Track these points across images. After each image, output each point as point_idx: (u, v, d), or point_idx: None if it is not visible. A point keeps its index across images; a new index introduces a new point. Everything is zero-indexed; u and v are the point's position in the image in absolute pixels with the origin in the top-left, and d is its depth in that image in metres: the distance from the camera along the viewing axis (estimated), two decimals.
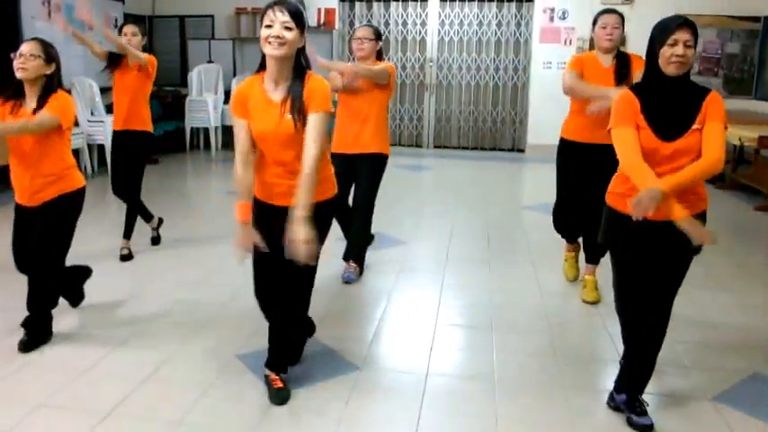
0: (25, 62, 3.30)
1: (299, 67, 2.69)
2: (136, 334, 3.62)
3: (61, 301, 3.72)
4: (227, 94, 10.13)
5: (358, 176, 4.41)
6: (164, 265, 4.79)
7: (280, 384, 2.96)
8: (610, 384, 2.99)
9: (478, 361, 3.41)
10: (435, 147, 10.79)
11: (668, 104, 2.60)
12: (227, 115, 10.04)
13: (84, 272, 3.94)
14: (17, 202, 3.45)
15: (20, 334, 3.44)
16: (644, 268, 2.72)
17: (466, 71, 10.47)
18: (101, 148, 8.12)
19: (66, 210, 3.44)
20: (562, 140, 4.19)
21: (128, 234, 4.96)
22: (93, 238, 5.09)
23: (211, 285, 4.37)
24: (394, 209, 6.54)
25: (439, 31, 10.40)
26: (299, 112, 2.64)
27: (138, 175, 4.94)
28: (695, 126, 2.57)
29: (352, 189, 4.47)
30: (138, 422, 2.77)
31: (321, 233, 2.73)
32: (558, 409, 2.94)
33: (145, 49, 4.95)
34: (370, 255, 4.83)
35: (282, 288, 2.89)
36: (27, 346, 3.40)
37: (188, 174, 8.79)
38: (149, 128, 4.93)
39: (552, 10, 9.94)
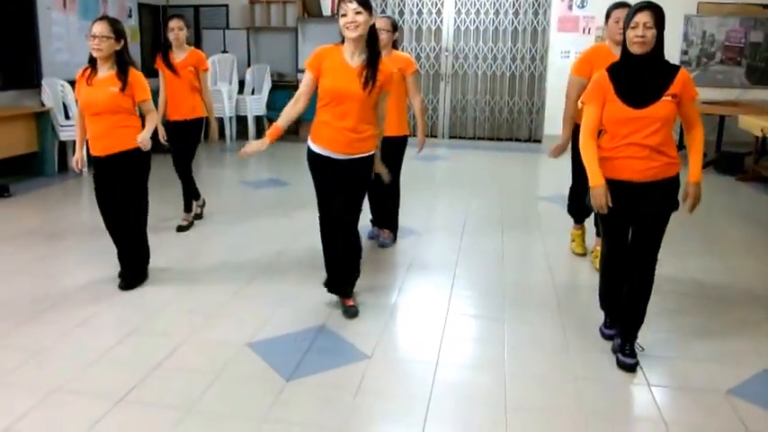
0: (99, 43, 3.75)
1: (370, 42, 3.38)
2: (148, 321, 3.63)
3: (69, 291, 3.75)
4: (242, 84, 10.14)
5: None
6: (175, 255, 4.79)
7: (350, 303, 3.75)
8: (622, 377, 2.96)
9: (489, 351, 3.39)
10: (451, 137, 10.74)
11: (636, 79, 2.98)
12: (241, 105, 10.06)
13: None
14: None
15: (35, 320, 3.46)
16: (629, 224, 3.13)
17: (482, 60, 10.40)
18: None
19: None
20: (577, 127, 4.15)
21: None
22: None
23: (222, 275, 4.37)
24: (408, 199, 6.49)
25: (455, 20, 10.33)
26: (373, 81, 3.36)
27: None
28: (666, 97, 2.95)
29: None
30: (150, 407, 2.79)
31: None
32: (568, 401, 2.91)
33: (189, 42, 5.37)
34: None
35: (342, 219, 3.59)
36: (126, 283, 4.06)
37: (202, 163, 8.80)
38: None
39: None
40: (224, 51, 10.45)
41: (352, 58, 3.40)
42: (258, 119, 10.36)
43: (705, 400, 2.95)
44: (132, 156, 3.92)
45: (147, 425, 2.67)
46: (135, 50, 9.25)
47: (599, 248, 4.21)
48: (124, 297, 3.97)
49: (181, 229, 5.34)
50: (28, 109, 6.67)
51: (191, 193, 5.52)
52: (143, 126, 3.97)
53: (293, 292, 4.05)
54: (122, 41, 3.86)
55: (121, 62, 3.87)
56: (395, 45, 4.72)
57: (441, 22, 10.38)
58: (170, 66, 5.24)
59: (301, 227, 5.38)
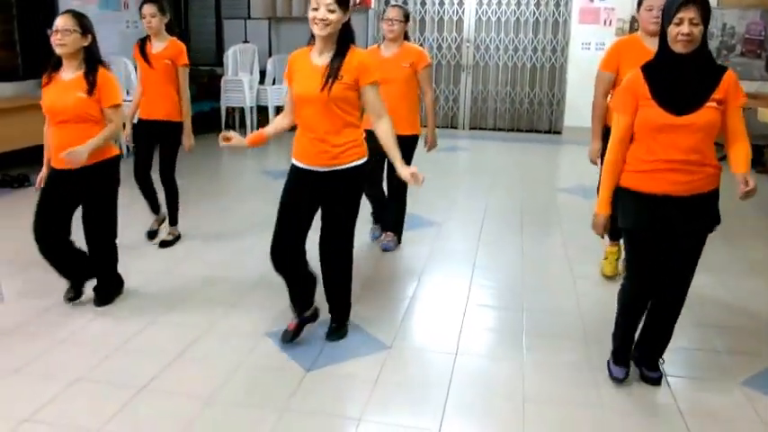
0: (63, 38, 3.33)
1: (342, 40, 2.99)
2: (168, 312, 3.69)
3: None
4: (263, 74, 10.17)
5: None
6: (195, 245, 4.84)
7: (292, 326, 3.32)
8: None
9: (508, 341, 3.41)
10: (471, 128, 10.70)
11: (678, 80, 2.60)
12: (262, 95, 10.09)
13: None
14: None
15: (57, 310, 3.53)
16: (661, 245, 2.76)
17: (503, 52, 10.33)
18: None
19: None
20: (608, 129, 4.10)
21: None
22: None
23: (242, 265, 4.41)
24: (427, 190, 6.48)
25: (476, 11, 10.27)
26: (333, 78, 2.94)
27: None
28: (711, 103, 2.57)
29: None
30: (171, 396, 2.84)
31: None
32: (586, 391, 2.93)
33: (170, 29, 4.69)
34: (405, 234, 4.83)
35: (299, 245, 3.20)
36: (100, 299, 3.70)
37: (223, 153, 8.85)
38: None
39: None
40: (245, 41, 10.48)
41: (320, 57, 3.02)
42: (279, 109, 10.39)
43: (720, 390, 2.96)
44: (99, 169, 3.48)
45: (169, 413, 2.72)
46: None
47: (608, 248, 4.20)
48: (145, 286, 4.03)
49: (164, 244, 4.79)
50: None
51: (173, 206, 4.88)
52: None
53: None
54: (90, 37, 3.45)
55: (90, 61, 3.45)
56: (406, 36, 4.53)
57: (462, 12, 10.32)
58: (145, 56, 4.61)
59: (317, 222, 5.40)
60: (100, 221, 3.59)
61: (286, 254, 3.18)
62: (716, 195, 2.73)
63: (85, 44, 3.43)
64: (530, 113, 10.51)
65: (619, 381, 2.95)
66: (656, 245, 2.76)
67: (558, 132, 10.31)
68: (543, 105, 10.43)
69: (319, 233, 3.22)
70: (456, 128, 10.70)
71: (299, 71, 3.06)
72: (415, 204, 5.72)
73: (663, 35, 2.62)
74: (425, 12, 10.35)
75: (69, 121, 3.40)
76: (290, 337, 3.26)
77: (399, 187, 4.51)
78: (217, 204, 5.93)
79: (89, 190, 3.50)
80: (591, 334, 3.46)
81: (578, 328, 3.53)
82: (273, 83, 10.33)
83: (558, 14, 10.01)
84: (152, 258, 4.56)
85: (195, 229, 5.19)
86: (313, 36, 3.00)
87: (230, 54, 9.92)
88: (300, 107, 3.07)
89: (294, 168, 3.18)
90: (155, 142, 4.76)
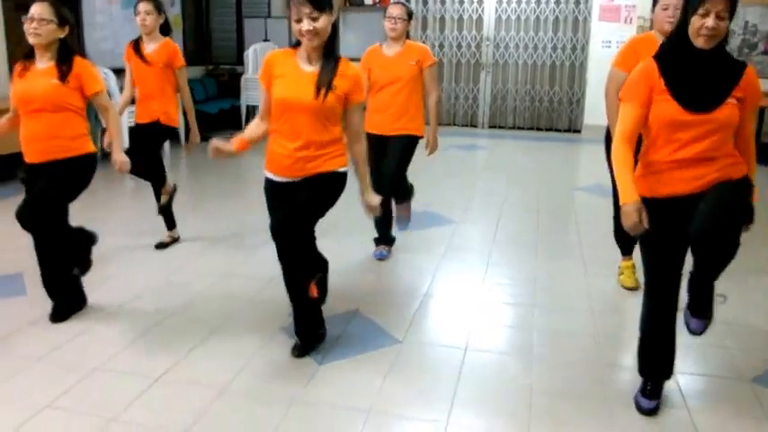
0: (38, 27, 3.12)
1: (328, 43, 2.83)
2: (184, 308, 3.77)
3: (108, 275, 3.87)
4: None
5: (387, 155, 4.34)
6: (207, 244, 4.91)
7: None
8: None
9: (518, 337, 3.44)
10: (490, 126, 10.72)
11: (697, 75, 2.41)
12: None
13: (89, 237, 3.73)
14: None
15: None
16: (683, 253, 2.58)
17: (523, 50, 10.34)
18: None
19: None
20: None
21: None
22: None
23: (257, 262, 4.46)
24: (445, 188, 6.57)
25: (496, 9, 10.28)
26: (328, 87, 2.79)
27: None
28: (731, 100, 2.40)
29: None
30: (185, 386, 2.91)
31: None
32: (594, 386, 2.95)
33: (165, 29, 4.53)
34: (419, 232, 4.87)
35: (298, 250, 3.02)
36: (56, 315, 3.44)
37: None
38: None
39: None
40: (265, 40, 10.58)
41: (309, 63, 2.85)
42: None
43: (728, 386, 2.97)
44: (70, 164, 3.28)
45: (183, 402, 2.79)
46: (177, 39, 9.41)
47: (622, 263, 4.08)
48: (162, 281, 4.12)
49: (161, 245, 4.67)
50: None
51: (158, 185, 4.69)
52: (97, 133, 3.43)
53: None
54: (67, 28, 3.23)
55: (64, 51, 3.23)
56: (407, 35, 4.35)
57: (482, 11, 10.33)
58: (140, 55, 4.39)
59: (335, 217, 5.44)
60: (49, 208, 3.28)
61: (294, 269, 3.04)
62: (743, 186, 2.47)
63: (61, 36, 3.22)
64: (549, 112, 10.50)
65: (647, 413, 2.71)
66: (677, 253, 2.56)
67: (578, 131, 10.28)
68: (563, 104, 10.41)
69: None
70: (475, 126, 10.72)
71: (283, 75, 2.85)
72: (432, 202, 5.81)
73: (682, 25, 2.40)
74: (445, 10, 10.39)
75: (44, 109, 3.19)
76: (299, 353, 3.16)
77: (402, 176, 4.43)
78: (233, 202, 6.02)
79: (47, 184, 3.26)
80: (601, 331, 3.47)
81: (590, 326, 3.55)
82: None
83: (578, 12, 9.99)
84: (165, 252, 4.64)
85: (207, 226, 5.26)
86: (297, 41, 2.85)
87: (250, 52, 10.02)
88: (284, 114, 2.87)
89: (270, 183, 3.03)
90: (156, 145, 4.65)
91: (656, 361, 2.74)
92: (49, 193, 3.27)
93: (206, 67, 10.48)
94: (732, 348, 3.30)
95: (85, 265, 3.70)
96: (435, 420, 2.68)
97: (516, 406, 2.79)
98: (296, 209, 2.95)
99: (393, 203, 4.53)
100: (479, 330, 3.49)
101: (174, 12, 9.53)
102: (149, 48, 4.40)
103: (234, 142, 3.01)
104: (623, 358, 3.21)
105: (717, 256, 2.45)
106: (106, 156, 3.70)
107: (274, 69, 2.88)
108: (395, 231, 4.66)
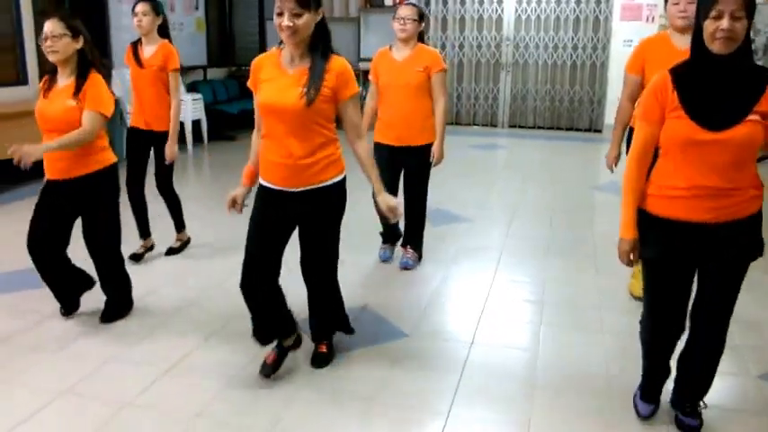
0: (53, 44, 3.14)
1: (316, 42, 2.61)
2: (201, 297, 3.86)
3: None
4: None
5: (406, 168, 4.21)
6: (215, 251, 5.00)
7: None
8: None
9: (524, 333, 3.48)
10: (511, 126, 10.73)
11: (715, 88, 2.18)
12: None
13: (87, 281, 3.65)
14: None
15: (95, 296, 3.73)
16: (689, 278, 2.42)
17: (543, 50, 10.33)
18: (181, 125, 8.51)
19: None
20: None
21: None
22: None
23: None
24: (462, 187, 6.61)
25: (516, 9, 10.29)
26: (316, 89, 2.58)
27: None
28: (753, 116, 2.14)
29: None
30: (197, 374, 3.01)
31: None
32: (598, 380, 2.99)
33: (164, 30, 4.37)
34: (433, 229, 4.93)
35: (274, 273, 2.85)
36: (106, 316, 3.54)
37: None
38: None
39: None
40: None
41: (292, 63, 2.65)
42: None
43: (733, 382, 2.99)
44: (93, 180, 3.30)
45: (194, 389, 2.89)
46: (200, 44, 9.62)
47: (637, 267, 4.03)
48: (184, 272, 4.22)
49: (171, 251, 4.61)
50: None
51: (177, 214, 4.63)
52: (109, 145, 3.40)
53: (339, 275, 4.21)
54: (81, 39, 3.22)
55: (83, 63, 3.24)
56: (421, 38, 4.12)
57: (502, 11, 10.34)
58: (137, 59, 4.28)
59: (350, 214, 5.46)
60: (99, 235, 3.40)
61: (261, 284, 2.82)
62: (757, 220, 2.32)
63: (78, 47, 3.22)
64: (570, 112, 10.48)
65: (644, 418, 2.67)
66: (681, 277, 2.41)
67: (599, 131, 10.25)
68: (584, 103, 10.38)
69: (299, 254, 2.92)
70: (495, 126, 10.74)
71: (266, 79, 2.68)
72: (447, 201, 5.86)
73: (697, 32, 2.19)
74: (465, 10, 10.42)
75: (59, 130, 3.18)
76: (270, 371, 2.95)
77: (418, 198, 4.26)
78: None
79: (85, 202, 3.32)
80: (609, 329, 3.50)
81: (597, 323, 3.57)
82: None
83: (599, 11, 9.97)
84: (164, 258, 4.70)
85: (213, 231, 5.35)
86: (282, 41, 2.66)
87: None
88: (268, 120, 2.69)
89: (263, 189, 2.79)
90: (148, 153, 4.46)
91: (656, 371, 2.67)
92: (99, 219, 3.39)
93: (229, 69, 10.63)
94: (740, 346, 3.30)
95: (73, 306, 3.62)
96: (437, 411, 2.74)
97: (518, 399, 2.84)
98: (316, 251, 2.87)
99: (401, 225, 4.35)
100: (486, 326, 3.54)
101: (198, 14, 9.69)
102: (147, 50, 4.28)
103: (243, 178, 2.90)
104: (629, 359, 3.21)
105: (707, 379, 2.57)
106: None
107: (260, 74, 2.71)
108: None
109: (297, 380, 2.96)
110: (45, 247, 3.33)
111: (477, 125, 10.80)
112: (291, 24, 2.50)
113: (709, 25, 2.11)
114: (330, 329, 3.16)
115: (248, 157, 2.96)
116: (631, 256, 2.43)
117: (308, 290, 3.02)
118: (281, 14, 2.51)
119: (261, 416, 2.69)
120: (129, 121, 4.47)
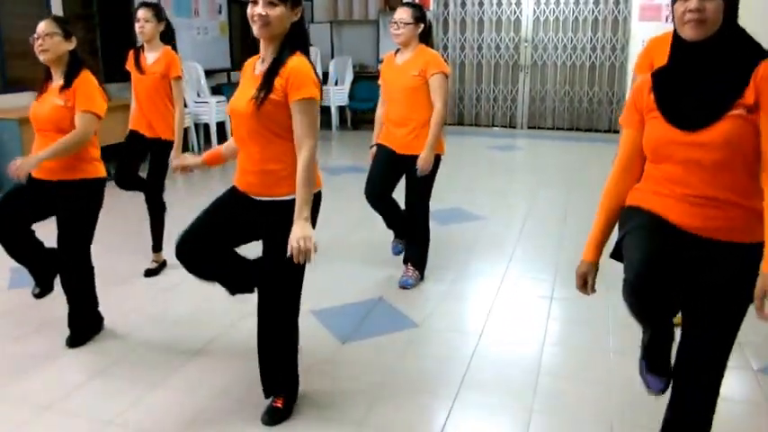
0: (44, 43, 3.12)
1: (287, 43, 2.41)
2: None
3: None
4: (326, 76, 10.55)
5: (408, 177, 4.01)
6: None
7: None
8: None
9: (531, 326, 3.60)
10: (529, 127, 10.81)
11: (691, 82, 1.88)
12: (324, 96, 10.38)
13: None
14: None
15: (126, 284, 3.91)
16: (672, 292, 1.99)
17: (561, 51, 10.41)
18: (206, 127, 8.76)
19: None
20: None
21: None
22: None
23: None
24: (478, 187, 6.74)
25: (534, 11, 10.38)
26: (267, 90, 2.36)
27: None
28: (736, 111, 1.79)
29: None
30: (221, 358, 3.18)
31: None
32: (600, 371, 3.10)
33: (167, 36, 4.29)
34: (448, 227, 5.05)
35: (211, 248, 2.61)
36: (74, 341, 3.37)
37: None
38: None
39: None
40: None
41: (262, 64, 2.46)
42: (341, 109, 10.80)
43: (732, 374, 3.05)
44: (76, 187, 3.19)
45: (219, 371, 3.07)
46: (224, 47, 9.83)
47: None
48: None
49: (149, 273, 4.33)
50: (126, 100, 7.31)
51: (158, 230, 4.39)
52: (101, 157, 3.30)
53: (356, 269, 4.37)
54: (74, 40, 3.21)
55: (73, 63, 3.21)
56: (426, 40, 3.91)
57: (520, 12, 10.44)
58: (138, 65, 4.21)
59: (368, 213, 5.51)
60: (68, 244, 3.24)
61: (193, 252, 2.60)
62: (757, 253, 1.80)
63: (70, 48, 3.20)
64: (589, 113, 10.54)
65: (657, 392, 2.26)
66: (665, 290, 1.96)
67: (618, 132, 10.25)
68: (603, 104, 10.44)
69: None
70: (514, 127, 10.83)
71: (241, 81, 2.56)
72: (463, 200, 6.01)
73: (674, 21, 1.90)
74: (483, 12, 10.53)
75: (49, 130, 3.15)
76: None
77: (415, 209, 4.04)
78: None
79: (63, 208, 3.19)
80: (613, 320, 3.59)
81: (603, 315, 3.67)
82: (336, 84, 10.72)
83: (618, 12, 10.02)
84: (163, 276, 4.78)
85: None
86: (255, 42, 2.49)
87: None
88: (233, 123, 2.55)
89: (232, 188, 2.62)
90: (142, 156, 4.37)
91: (661, 349, 2.27)
92: (73, 230, 3.24)
93: None
94: (743, 342, 3.38)
95: (47, 287, 3.47)
96: (444, 397, 2.87)
97: (522, 387, 2.96)
98: (274, 275, 2.55)
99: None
100: (495, 319, 3.66)
101: (221, 18, 9.91)
102: (150, 57, 4.20)
103: (206, 154, 2.84)
104: (634, 348, 3.31)
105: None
106: None
107: (242, 76, 2.58)
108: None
109: (314, 370, 3.09)
110: (6, 218, 3.16)
111: (497, 126, 10.89)
112: (264, 14, 2.31)
113: (677, 7, 1.83)
114: (280, 384, 2.73)
115: None
116: (588, 281, 2.18)
117: (259, 338, 2.68)
118: (255, 3, 2.34)
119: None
120: (129, 124, 4.33)
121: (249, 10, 2.36)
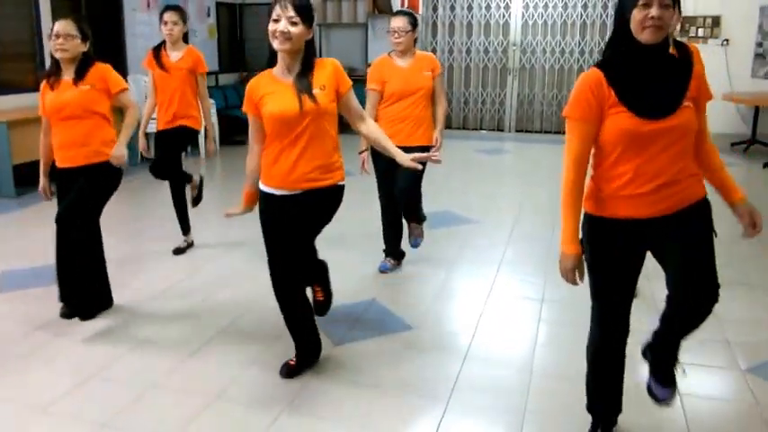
0: (64, 43, 3.33)
1: (307, 59, 2.77)
2: (214, 293, 4.05)
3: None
4: None
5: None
6: (224, 249, 5.18)
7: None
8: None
9: (523, 327, 3.63)
10: (517, 131, 10.86)
11: (648, 78, 2.15)
12: None
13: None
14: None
15: (128, 284, 3.90)
16: (635, 279, 2.36)
17: (550, 54, 10.47)
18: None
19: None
20: None
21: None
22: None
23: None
24: (468, 190, 6.77)
25: (523, 14, 10.44)
26: (307, 91, 2.72)
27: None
28: (687, 103, 2.15)
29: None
30: (219, 355, 3.19)
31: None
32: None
33: (186, 37, 4.71)
34: (438, 230, 5.07)
35: (299, 275, 3.00)
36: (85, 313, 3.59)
37: None
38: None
39: None
40: None
41: (287, 74, 2.78)
42: None
43: (722, 376, 3.12)
44: (99, 170, 3.47)
45: (217, 367, 3.09)
46: (212, 49, 9.83)
47: None
48: (181, 283, 4.40)
49: (178, 251, 4.79)
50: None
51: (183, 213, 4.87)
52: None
53: (350, 269, 4.37)
54: (88, 43, 3.44)
55: (84, 62, 3.43)
56: (415, 43, 4.18)
57: (509, 16, 10.50)
58: (160, 64, 4.55)
59: (361, 214, 5.17)
60: (81, 213, 3.47)
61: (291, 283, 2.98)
62: (707, 204, 2.27)
63: (84, 50, 3.43)
64: None
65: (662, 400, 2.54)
66: (631, 277, 2.35)
67: None
68: None
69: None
70: (502, 130, 10.88)
71: (271, 92, 2.78)
72: (453, 203, 6.03)
73: (620, 26, 2.15)
74: (472, 16, 10.58)
75: (74, 116, 3.39)
76: (287, 374, 3.07)
77: (418, 195, 4.29)
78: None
79: (83, 182, 3.45)
80: None
81: None
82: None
83: (606, 16, 10.10)
84: (188, 258, 4.91)
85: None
86: (273, 56, 2.80)
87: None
88: (278, 129, 2.79)
89: (268, 198, 2.91)
90: (182, 146, 4.81)
91: (607, 394, 2.56)
92: (84, 194, 3.45)
93: (240, 74, 10.83)
94: (731, 342, 3.42)
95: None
96: (438, 397, 2.89)
97: (514, 387, 2.98)
98: (296, 231, 2.91)
99: (404, 221, 4.42)
100: (487, 320, 3.69)
101: (210, 21, 9.91)
102: (174, 55, 4.57)
103: (243, 199, 3.02)
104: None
105: (699, 316, 2.34)
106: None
107: (258, 91, 2.80)
108: (406, 246, 4.55)
109: (307, 370, 3.11)
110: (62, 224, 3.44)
111: (485, 129, 10.94)
112: (287, 30, 2.64)
113: (637, 14, 2.07)
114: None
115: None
116: (576, 274, 2.32)
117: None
118: (277, 20, 2.65)
119: (272, 401, 2.85)
120: (156, 126, 4.70)
121: (271, 26, 2.67)
